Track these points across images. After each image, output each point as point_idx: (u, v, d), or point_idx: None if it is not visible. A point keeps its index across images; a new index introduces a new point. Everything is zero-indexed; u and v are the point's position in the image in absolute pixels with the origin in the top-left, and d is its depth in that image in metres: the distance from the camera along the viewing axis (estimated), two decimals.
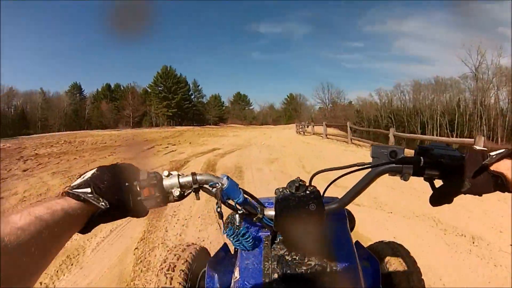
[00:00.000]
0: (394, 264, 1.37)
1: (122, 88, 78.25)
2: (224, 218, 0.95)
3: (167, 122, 73.17)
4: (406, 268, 1.34)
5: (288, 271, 0.79)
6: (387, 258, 1.40)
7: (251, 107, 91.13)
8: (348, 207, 1.00)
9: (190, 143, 19.55)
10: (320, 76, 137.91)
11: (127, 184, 0.72)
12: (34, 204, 0.56)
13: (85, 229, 0.65)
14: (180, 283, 1.27)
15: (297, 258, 0.84)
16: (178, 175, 0.79)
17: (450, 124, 59.48)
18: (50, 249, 0.54)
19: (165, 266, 1.34)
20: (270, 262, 0.86)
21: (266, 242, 0.94)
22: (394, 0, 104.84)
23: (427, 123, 62.92)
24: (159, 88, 74.86)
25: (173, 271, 1.31)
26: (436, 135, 50.48)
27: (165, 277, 1.29)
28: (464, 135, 52.60)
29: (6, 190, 6.68)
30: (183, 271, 1.32)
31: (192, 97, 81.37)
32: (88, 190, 0.66)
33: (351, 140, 15.65)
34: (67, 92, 76.25)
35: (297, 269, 0.80)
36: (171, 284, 1.27)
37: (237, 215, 0.86)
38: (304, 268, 0.80)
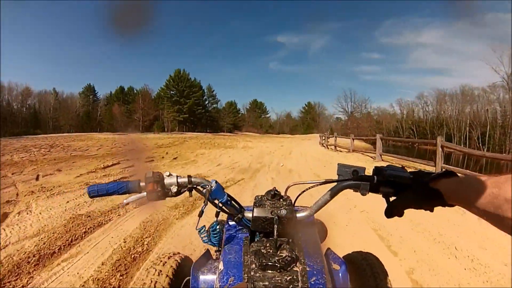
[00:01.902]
0: (364, 268, 1.47)
1: (135, 91, 73.19)
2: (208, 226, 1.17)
3: (179, 127, 67.35)
4: (374, 272, 1.44)
5: (263, 261, 0.88)
6: (359, 264, 1.51)
7: (267, 115, 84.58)
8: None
9: (175, 158, 13.21)
10: (337, 88, 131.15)
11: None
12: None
13: None
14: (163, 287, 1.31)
15: (271, 251, 0.93)
16: (177, 176, 0.99)
17: (481, 136, 51.98)
18: None
19: (151, 272, 1.36)
20: (249, 256, 0.97)
21: (246, 241, 1.08)
22: (408, 13, 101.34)
23: (454, 136, 55.48)
24: (171, 92, 69.24)
25: (159, 276, 1.34)
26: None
27: (150, 282, 1.31)
28: (496, 149, 46.94)
29: None
30: (168, 276, 1.35)
31: (206, 102, 75.38)
32: None
33: (380, 156, 12.36)
34: (81, 94, 72.15)
35: (270, 259, 0.89)
36: (155, 286, 1.29)
37: (215, 217, 1.05)
38: (277, 258, 0.89)
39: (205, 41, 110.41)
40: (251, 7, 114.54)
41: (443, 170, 0.86)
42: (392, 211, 0.86)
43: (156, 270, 1.37)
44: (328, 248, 1.44)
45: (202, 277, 1.24)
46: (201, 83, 72.86)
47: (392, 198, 0.89)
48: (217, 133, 64.28)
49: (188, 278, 1.34)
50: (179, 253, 1.58)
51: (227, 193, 1.03)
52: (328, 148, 20.74)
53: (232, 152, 16.24)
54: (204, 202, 0.98)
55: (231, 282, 0.90)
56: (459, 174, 0.77)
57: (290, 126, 79.67)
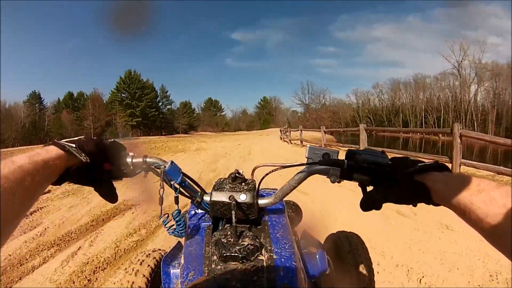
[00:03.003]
0: (345, 248, 1.46)
1: (85, 96, 68.08)
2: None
3: (133, 132, 63.71)
4: (355, 251, 1.44)
5: (223, 251, 0.82)
6: (339, 244, 1.49)
7: (223, 113, 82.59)
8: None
9: None
10: (293, 82, 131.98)
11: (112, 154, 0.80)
12: (20, 154, 0.58)
13: (58, 182, 0.69)
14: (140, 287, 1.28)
15: (231, 240, 0.85)
16: (132, 155, 0.86)
17: (437, 120, 56.95)
18: (30, 196, 0.56)
19: (129, 271, 1.34)
20: (210, 246, 0.89)
21: (208, 230, 0.99)
22: (362, 9, 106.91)
23: (410, 121, 60.22)
24: (123, 95, 65.39)
25: (135, 276, 1.31)
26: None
27: (126, 282, 1.29)
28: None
29: None
30: (144, 276, 1.32)
31: (160, 104, 72.20)
32: (73, 145, 0.70)
33: (324, 146, 12.12)
34: (25, 102, 65.56)
35: (231, 249, 0.82)
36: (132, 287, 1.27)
37: (176, 204, 0.95)
38: (238, 247, 0.82)
39: (157, 39, 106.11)
40: (204, 4, 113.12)
41: (434, 161, 0.67)
42: (368, 203, 0.74)
43: (133, 270, 1.32)
44: (305, 231, 1.39)
45: (171, 272, 1.14)
46: (153, 84, 69.69)
47: (369, 188, 0.78)
48: (172, 135, 61.85)
49: None
50: (159, 249, 1.51)
51: (182, 173, 0.92)
52: (291, 143, 18.94)
53: (183, 157, 14.16)
54: (160, 185, 0.88)
55: (191, 278, 0.82)
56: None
57: (246, 122, 78.24)
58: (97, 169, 0.75)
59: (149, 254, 1.46)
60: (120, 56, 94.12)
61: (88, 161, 0.71)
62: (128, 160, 0.86)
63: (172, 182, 0.91)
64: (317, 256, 1.19)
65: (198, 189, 0.97)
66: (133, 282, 1.27)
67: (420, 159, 0.76)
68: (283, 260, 0.84)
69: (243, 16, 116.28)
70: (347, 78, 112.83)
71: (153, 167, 0.90)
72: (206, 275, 0.80)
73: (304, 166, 0.90)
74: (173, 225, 1.05)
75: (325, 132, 15.05)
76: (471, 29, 59.57)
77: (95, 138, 0.78)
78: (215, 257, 0.84)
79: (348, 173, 0.79)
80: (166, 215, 1.01)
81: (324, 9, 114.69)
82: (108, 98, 67.37)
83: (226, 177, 1.01)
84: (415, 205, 0.69)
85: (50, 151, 0.64)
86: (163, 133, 66.01)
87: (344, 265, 1.42)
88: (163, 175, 0.89)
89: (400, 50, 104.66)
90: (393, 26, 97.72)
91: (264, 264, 0.81)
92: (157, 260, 1.41)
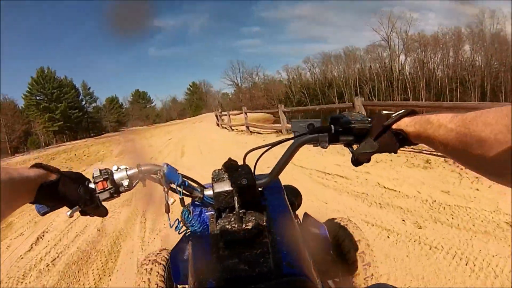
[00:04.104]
0: (343, 234, 1.48)
1: None
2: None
3: (58, 139, 57.43)
4: (353, 237, 1.46)
5: (229, 237, 0.84)
6: (337, 230, 1.51)
7: (153, 104, 77.95)
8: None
9: None
10: (221, 65, 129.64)
11: (81, 185, 0.81)
12: (5, 168, 0.62)
13: (36, 201, 0.72)
14: (157, 285, 1.31)
15: (236, 226, 0.87)
16: (126, 168, 0.88)
17: (372, 90, 59.89)
18: (5, 210, 0.59)
19: (143, 271, 1.36)
20: (215, 234, 0.91)
21: (212, 219, 1.00)
22: None
23: (345, 92, 62.26)
24: (38, 98, 57.82)
25: (150, 274, 1.34)
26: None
27: (143, 282, 1.31)
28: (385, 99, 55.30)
29: None
30: (159, 273, 1.36)
31: (83, 103, 65.63)
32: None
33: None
34: None
35: (236, 234, 0.85)
36: (149, 286, 1.29)
37: (183, 207, 1.00)
38: (242, 232, 0.85)
39: (70, 33, 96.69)
40: None
41: (403, 110, 0.79)
42: (358, 159, 0.84)
43: (146, 270, 1.35)
44: (305, 213, 1.41)
45: (180, 265, 1.21)
46: (73, 81, 62.77)
47: (355, 146, 0.88)
48: (101, 135, 56.94)
49: None
50: (166, 249, 1.55)
51: (181, 174, 0.95)
52: (233, 130, 15.99)
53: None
54: (164, 191, 0.91)
55: (199, 265, 0.88)
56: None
57: (177, 110, 74.87)
58: (83, 187, 0.81)
59: (158, 253, 1.48)
60: (26, 53, 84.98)
61: (62, 172, 0.77)
62: (122, 174, 0.87)
63: (172, 185, 0.93)
64: (320, 237, 1.23)
65: (197, 186, 1.00)
66: (149, 281, 1.27)
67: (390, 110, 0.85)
68: (286, 240, 0.87)
69: (163, 2, 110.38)
70: (274, 55, 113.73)
71: (151, 175, 0.91)
72: (214, 261, 0.82)
73: (293, 140, 0.95)
74: (181, 225, 1.04)
75: (246, 113, 14.03)
76: (388, 6, 63.12)
77: (69, 172, 0.83)
78: (221, 244, 0.85)
79: (335, 137, 0.88)
80: (177, 221, 1.01)
81: None
82: (24, 104, 59.19)
83: (220, 168, 1.00)
84: (396, 152, 0.81)
85: (32, 170, 0.71)
86: (92, 135, 60.57)
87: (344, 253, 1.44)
88: (164, 179, 0.90)
89: (322, 27, 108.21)
90: (315, 5, 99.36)
91: (269, 245, 0.82)
92: (167, 258, 1.43)
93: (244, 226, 0.86)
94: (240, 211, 0.88)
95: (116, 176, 0.87)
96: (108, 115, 68.84)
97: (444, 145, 0.61)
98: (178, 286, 1.31)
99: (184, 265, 1.17)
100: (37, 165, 0.73)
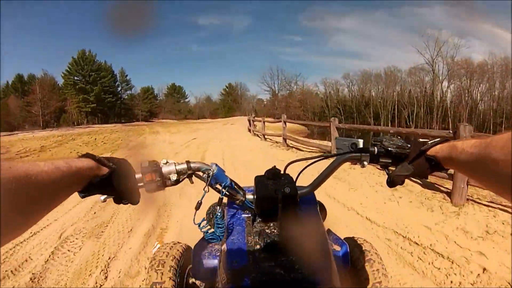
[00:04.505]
0: (359, 254, 1.45)
1: (37, 79, 58.67)
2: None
3: (90, 120, 57.81)
4: (369, 257, 1.43)
5: (268, 241, 0.88)
6: (354, 250, 1.48)
7: (187, 100, 76.87)
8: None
9: None
10: (259, 69, 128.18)
11: (132, 178, 0.83)
12: (56, 158, 0.64)
13: (84, 192, 0.72)
14: (170, 278, 1.29)
15: (275, 231, 0.92)
16: (174, 163, 0.90)
17: (409, 116, 56.93)
18: (59, 196, 0.61)
19: (155, 263, 1.34)
20: (252, 236, 0.94)
21: (248, 221, 1.03)
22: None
23: (381, 114, 59.33)
24: (75, 78, 58.29)
25: (163, 267, 1.33)
26: (394, 127, 45.16)
27: (155, 273, 1.30)
28: (423, 125, 52.28)
29: None
30: (172, 266, 1.33)
31: (119, 89, 65.76)
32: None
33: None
34: None
35: (275, 239, 0.88)
36: (161, 279, 1.29)
37: (218, 206, 1.00)
38: (281, 238, 0.88)
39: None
40: None
41: (439, 138, 0.84)
42: (394, 181, 0.89)
43: (159, 262, 1.33)
44: (329, 229, 1.43)
45: (203, 262, 1.23)
46: (112, 67, 62.83)
47: (390, 168, 0.93)
48: (132, 122, 56.44)
49: (190, 266, 1.35)
50: (179, 242, 1.51)
51: (228, 176, 0.97)
52: (266, 139, 14.02)
53: None
54: (204, 189, 0.91)
55: (235, 265, 0.87)
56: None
57: (210, 109, 73.16)
58: (127, 179, 0.81)
59: (172, 246, 1.44)
60: (74, 34, 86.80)
61: (114, 167, 0.76)
62: (171, 168, 0.89)
63: (217, 185, 0.95)
64: (341, 254, 1.24)
65: (239, 189, 1.01)
66: (162, 274, 1.27)
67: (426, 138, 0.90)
68: (319, 252, 0.89)
69: (212, 1, 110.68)
70: (314, 67, 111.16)
71: (198, 172, 0.94)
72: (251, 262, 0.84)
73: (335, 157, 1.00)
74: (205, 227, 1.07)
75: (285, 122, 11.78)
76: (436, 28, 59.31)
77: (121, 159, 0.83)
78: (258, 246, 0.89)
79: (376, 158, 0.93)
80: (204, 220, 1.03)
81: None
82: (63, 83, 59.91)
83: (263, 174, 1.01)
84: (427, 177, 0.87)
85: (83, 161, 0.70)
86: (122, 121, 60.09)
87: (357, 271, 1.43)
88: (211, 179, 0.92)
89: (365, 43, 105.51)
90: (361, 19, 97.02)
91: (304, 255, 0.84)
92: (181, 252, 1.40)
93: (283, 232, 0.89)
94: (282, 218, 0.89)
95: (165, 169, 0.88)
96: (141, 104, 68.44)
97: (466, 168, 0.65)
98: (189, 281, 1.34)
99: (208, 262, 1.21)
100: (89, 156, 0.73)
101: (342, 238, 1.59)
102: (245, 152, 11.02)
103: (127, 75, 67.43)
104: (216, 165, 0.94)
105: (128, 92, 69.01)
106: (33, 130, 41.33)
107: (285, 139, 11.54)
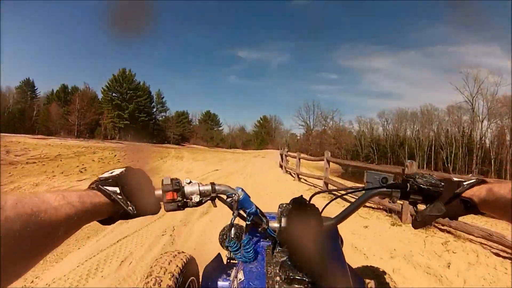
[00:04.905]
0: (374, 282, 1.45)
1: (80, 91, 61.38)
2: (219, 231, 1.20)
3: (123, 136, 57.61)
4: (384, 285, 1.45)
5: (290, 274, 0.82)
6: (369, 279, 1.47)
7: (220, 128, 76.01)
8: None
9: None
10: (294, 105, 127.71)
11: (149, 189, 0.78)
12: (67, 190, 0.60)
13: (106, 222, 0.70)
14: (169, 286, 1.24)
15: (297, 264, 0.85)
16: (198, 183, 0.85)
17: (448, 158, 53.00)
18: (72, 230, 0.57)
19: (155, 270, 1.29)
20: (272, 267, 0.90)
21: (268, 250, 0.99)
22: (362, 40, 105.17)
23: (417, 155, 55.17)
24: (113, 94, 59.53)
25: (164, 274, 1.27)
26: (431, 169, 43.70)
27: (154, 280, 1.25)
28: (461, 170, 49.22)
29: None
30: (173, 275, 1.28)
31: (154, 110, 66.31)
32: (117, 189, 0.69)
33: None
34: (17, 88, 60.60)
35: (298, 272, 0.82)
36: (159, 286, 1.23)
37: (232, 228, 0.95)
38: (305, 272, 0.82)
39: (156, 50, 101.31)
40: (209, 22, 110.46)
41: (475, 179, 0.78)
42: (423, 220, 0.84)
43: (161, 268, 1.29)
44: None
45: (214, 282, 1.21)
46: (149, 88, 63.95)
47: (420, 206, 0.89)
48: (163, 144, 55.97)
49: (192, 278, 1.33)
50: (183, 252, 1.48)
51: (253, 203, 0.93)
52: (301, 180, 11.21)
53: None
54: (233, 214, 0.87)
55: None
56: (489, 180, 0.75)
57: (243, 140, 71.75)
58: (145, 208, 0.75)
59: (176, 255, 1.40)
60: (120, 54, 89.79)
61: (135, 212, 0.71)
62: (194, 188, 0.84)
63: (241, 212, 0.90)
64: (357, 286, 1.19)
65: (262, 216, 0.96)
66: (161, 281, 1.23)
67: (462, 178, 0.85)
68: (340, 286, 0.85)
69: (249, 36, 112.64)
70: (349, 105, 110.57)
71: (222, 195, 0.88)
72: None
73: (364, 191, 0.97)
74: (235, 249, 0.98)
75: (329, 161, 9.03)
76: (470, 67, 55.35)
77: (137, 169, 0.77)
78: (278, 278, 0.84)
79: (407, 194, 0.89)
80: (235, 242, 0.97)
81: (327, 37, 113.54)
82: (102, 98, 61.76)
83: (289, 202, 0.98)
84: (457, 219, 0.81)
85: (99, 196, 0.66)
86: (154, 141, 59.87)
87: None
88: (237, 204, 0.86)
89: (397, 82, 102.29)
90: (395, 59, 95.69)
91: None
92: (184, 262, 1.36)
93: (306, 265, 0.82)
94: (306, 251, 0.83)
95: (187, 189, 0.84)
96: (174, 126, 68.42)
97: (506, 214, 0.63)
98: None
99: (219, 284, 1.18)
100: (100, 190, 0.68)
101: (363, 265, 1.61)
102: (273, 196, 8.17)
103: (163, 97, 68.24)
104: (242, 189, 0.88)
105: (163, 114, 69.41)
106: (66, 137, 41.97)
107: (326, 183, 8.82)
